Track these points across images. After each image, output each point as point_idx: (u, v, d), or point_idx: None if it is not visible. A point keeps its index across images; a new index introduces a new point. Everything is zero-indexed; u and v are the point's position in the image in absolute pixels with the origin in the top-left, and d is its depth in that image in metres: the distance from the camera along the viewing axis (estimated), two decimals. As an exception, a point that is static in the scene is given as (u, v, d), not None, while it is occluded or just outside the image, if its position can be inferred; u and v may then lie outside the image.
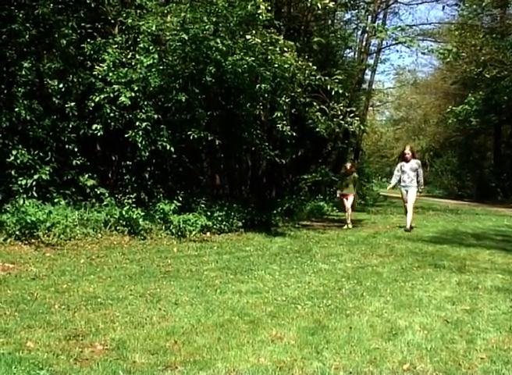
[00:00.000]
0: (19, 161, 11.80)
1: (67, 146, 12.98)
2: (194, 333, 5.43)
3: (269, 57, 13.58)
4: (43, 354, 4.71)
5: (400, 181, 15.49)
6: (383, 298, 7.17)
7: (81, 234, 11.38)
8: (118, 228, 12.07)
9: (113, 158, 14.42)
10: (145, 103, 13.19)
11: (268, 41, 13.64)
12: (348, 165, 17.61)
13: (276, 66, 13.49)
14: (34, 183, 11.86)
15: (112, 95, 12.71)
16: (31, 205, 11.52)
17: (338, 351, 5.03)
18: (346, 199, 16.91)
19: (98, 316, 5.88)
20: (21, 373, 4.25)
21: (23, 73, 12.77)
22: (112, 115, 12.92)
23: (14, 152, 11.84)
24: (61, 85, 13.08)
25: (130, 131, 12.93)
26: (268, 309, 6.40)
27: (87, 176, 13.00)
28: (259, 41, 13.11)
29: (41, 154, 12.43)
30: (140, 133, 12.85)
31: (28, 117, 12.37)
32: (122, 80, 12.76)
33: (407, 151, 15.50)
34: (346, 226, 16.38)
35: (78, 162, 13.03)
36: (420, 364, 4.78)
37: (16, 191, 11.73)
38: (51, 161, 12.53)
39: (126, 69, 12.89)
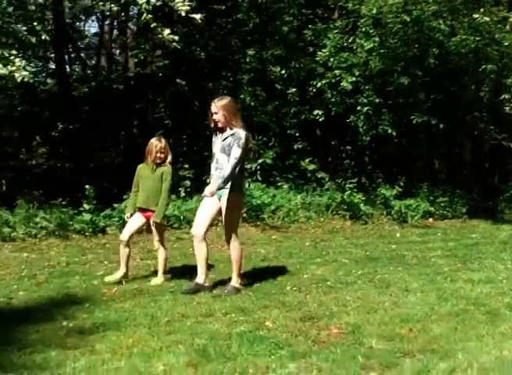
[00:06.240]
0: (245, 145, 12.26)
1: (289, 131, 13.27)
2: (429, 322, 5.26)
3: (496, 36, 12.91)
4: (281, 334, 4.79)
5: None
6: None
7: (304, 218, 11.59)
8: (339, 212, 12.14)
9: (333, 143, 14.51)
10: (366, 87, 13.08)
11: (496, 19, 12.95)
12: (154, 143, 6.77)
13: (506, 44, 12.78)
14: (259, 167, 12.28)
15: (333, 80, 12.78)
16: (256, 188, 11.94)
17: None
18: (147, 221, 6.81)
19: (330, 300, 5.90)
20: (263, 351, 4.35)
21: (247, 60, 13.27)
22: (333, 100, 12.99)
23: (239, 137, 12.30)
24: (283, 71, 13.36)
25: (352, 116, 12.92)
26: (505, 300, 6.04)
27: (307, 160, 13.22)
28: (487, 19, 12.47)
29: (265, 139, 12.83)
30: (362, 117, 12.81)
31: (252, 103, 12.82)
32: (343, 65, 12.78)
33: (213, 107, 6.42)
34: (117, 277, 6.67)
35: (299, 147, 13.28)
36: None
37: (241, 174, 12.21)
38: (274, 145, 12.88)
39: (346, 53, 12.88)
